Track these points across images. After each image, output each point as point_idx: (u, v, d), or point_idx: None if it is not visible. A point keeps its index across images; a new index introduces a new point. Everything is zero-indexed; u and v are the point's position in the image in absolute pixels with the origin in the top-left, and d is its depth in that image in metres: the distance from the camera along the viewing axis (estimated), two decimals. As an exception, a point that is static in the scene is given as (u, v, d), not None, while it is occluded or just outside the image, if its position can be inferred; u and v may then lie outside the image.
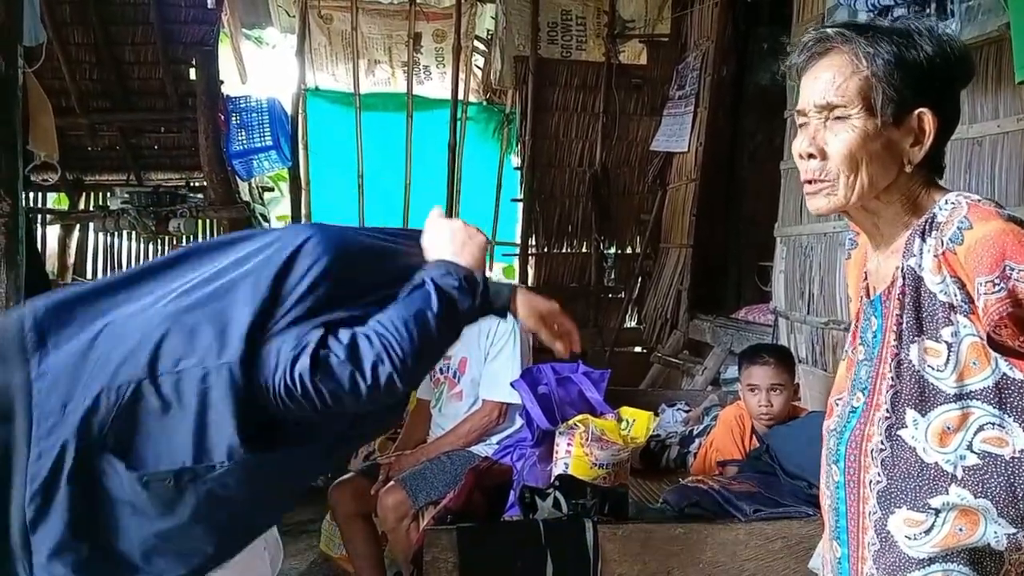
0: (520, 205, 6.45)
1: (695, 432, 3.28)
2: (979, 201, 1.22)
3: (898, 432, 1.25)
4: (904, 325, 1.25)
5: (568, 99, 6.25)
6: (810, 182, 1.28)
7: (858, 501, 1.30)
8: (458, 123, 6.58)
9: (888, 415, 1.26)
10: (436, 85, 6.77)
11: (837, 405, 1.39)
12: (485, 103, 7.02)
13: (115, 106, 5.73)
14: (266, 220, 6.36)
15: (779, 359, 2.90)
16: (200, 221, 5.88)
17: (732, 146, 5.80)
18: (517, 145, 6.58)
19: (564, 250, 6.47)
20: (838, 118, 1.25)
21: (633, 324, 6.48)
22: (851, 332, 1.40)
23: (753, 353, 2.99)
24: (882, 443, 1.26)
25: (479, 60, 6.89)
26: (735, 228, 5.84)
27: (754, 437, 2.91)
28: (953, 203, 1.22)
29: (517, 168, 6.58)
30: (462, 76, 6.60)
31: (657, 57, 6.28)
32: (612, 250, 6.51)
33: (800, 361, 3.68)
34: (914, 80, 1.23)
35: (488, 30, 6.73)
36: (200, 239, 6.09)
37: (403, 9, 6.53)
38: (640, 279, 6.37)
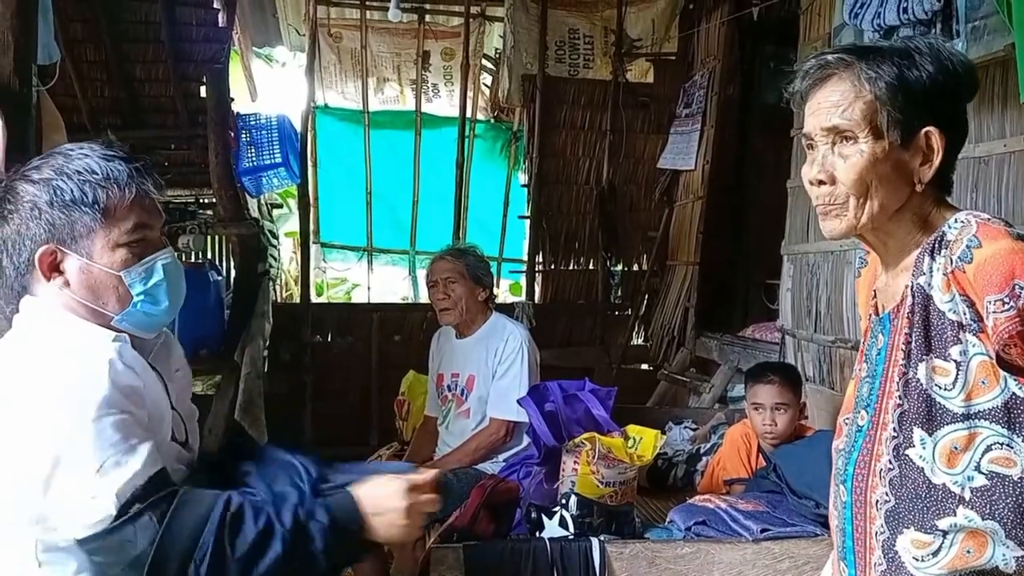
0: (527, 222, 6.46)
1: (702, 450, 3.28)
2: (988, 220, 1.23)
3: (906, 452, 1.24)
4: (912, 343, 1.25)
5: (575, 117, 6.27)
6: (822, 206, 1.30)
7: (865, 521, 1.29)
8: (466, 140, 6.60)
9: (895, 434, 1.25)
10: (444, 103, 6.81)
11: (845, 425, 1.39)
12: (493, 121, 7.05)
13: (126, 123, 5.77)
14: (275, 236, 6.39)
15: (784, 378, 2.90)
16: (209, 237, 5.91)
17: (739, 164, 5.81)
18: (524, 162, 6.60)
19: (571, 267, 6.47)
20: (846, 141, 1.26)
21: (640, 341, 6.47)
22: (860, 350, 1.40)
23: (758, 372, 2.99)
24: (890, 463, 1.26)
25: (487, 78, 6.93)
26: (742, 246, 5.84)
27: (761, 456, 2.90)
28: (963, 222, 1.23)
29: (524, 185, 6.59)
30: (470, 94, 6.63)
31: (664, 75, 6.30)
32: (619, 267, 6.51)
33: (807, 379, 3.67)
34: (918, 100, 1.24)
35: (496, 49, 6.77)
36: (209, 255, 6.12)
37: (412, 28, 6.58)
38: (647, 296, 6.36)
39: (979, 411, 1.20)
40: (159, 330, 1.56)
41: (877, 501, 1.27)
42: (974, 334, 1.20)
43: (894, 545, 1.25)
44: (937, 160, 1.25)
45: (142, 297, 1.48)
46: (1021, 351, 1.20)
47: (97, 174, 1.44)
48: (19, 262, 1.45)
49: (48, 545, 1.36)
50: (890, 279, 1.34)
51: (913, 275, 1.26)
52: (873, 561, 1.28)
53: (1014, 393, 1.20)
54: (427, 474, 1.57)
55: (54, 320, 1.45)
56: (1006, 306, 1.16)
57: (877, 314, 1.36)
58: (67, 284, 1.45)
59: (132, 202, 1.46)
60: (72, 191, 1.42)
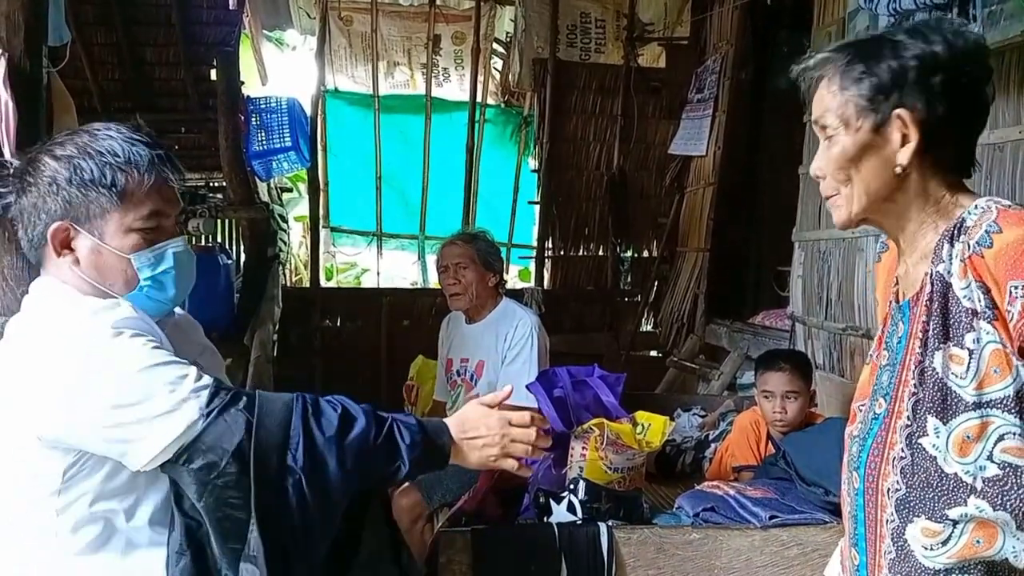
0: (537, 208, 6.45)
1: (711, 437, 3.27)
2: (1009, 207, 1.22)
3: (919, 440, 1.23)
4: (930, 332, 1.24)
5: (586, 102, 6.25)
6: (826, 199, 1.36)
7: (876, 508, 1.29)
8: (476, 125, 6.59)
9: (909, 423, 1.25)
10: (454, 87, 6.79)
11: (860, 411, 1.38)
12: (503, 105, 7.03)
13: (136, 106, 5.78)
14: (285, 220, 6.40)
15: (794, 366, 2.89)
16: (219, 221, 5.93)
17: (750, 150, 5.78)
18: (535, 147, 6.59)
19: (581, 253, 6.47)
20: (828, 137, 1.31)
21: (649, 328, 6.47)
22: (877, 336, 1.39)
23: (769, 359, 2.97)
24: (903, 451, 1.25)
25: (498, 62, 6.91)
26: (753, 233, 5.81)
27: (770, 443, 2.90)
28: (983, 208, 1.22)
29: (534, 171, 6.58)
30: (480, 78, 6.61)
31: (676, 60, 6.26)
32: (629, 253, 6.51)
33: (817, 367, 3.66)
34: (884, 86, 1.25)
35: (507, 32, 6.75)
36: (219, 239, 6.13)
37: (423, 11, 6.56)
38: (656, 283, 6.36)
39: (991, 400, 1.19)
40: (160, 316, 1.55)
41: (888, 489, 1.26)
42: (988, 321, 1.19)
43: (903, 533, 1.25)
44: (913, 141, 1.25)
45: (149, 283, 1.49)
46: None
47: (119, 156, 1.44)
48: (33, 235, 1.47)
49: (71, 506, 1.37)
50: (910, 266, 1.33)
51: (933, 263, 1.26)
52: (883, 548, 1.28)
53: None
54: (527, 415, 1.59)
55: (61, 295, 1.46)
56: None
57: (897, 301, 1.35)
58: (76, 262, 1.46)
59: (151, 188, 1.47)
60: (92, 171, 1.43)
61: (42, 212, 1.45)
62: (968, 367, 1.20)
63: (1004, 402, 1.19)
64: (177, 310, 1.66)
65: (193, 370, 1.39)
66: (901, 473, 1.25)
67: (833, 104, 1.29)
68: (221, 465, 1.33)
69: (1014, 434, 1.18)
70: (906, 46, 1.25)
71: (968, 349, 1.20)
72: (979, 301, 1.19)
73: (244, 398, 1.39)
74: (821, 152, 1.33)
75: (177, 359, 1.40)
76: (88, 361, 1.34)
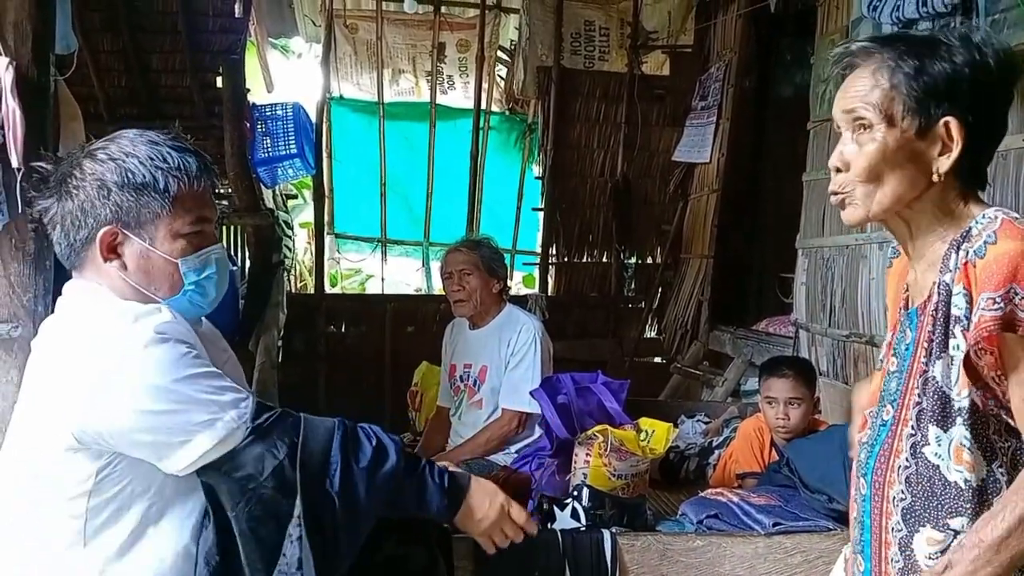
0: (541, 214, 6.46)
1: (714, 444, 3.27)
2: (1016, 219, 1.20)
3: (922, 449, 1.24)
4: (933, 340, 1.23)
5: (590, 109, 6.26)
6: (836, 194, 1.30)
7: (882, 516, 1.29)
8: (480, 132, 6.61)
9: (913, 432, 1.25)
10: (459, 95, 6.81)
11: (870, 418, 1.37)
12: (507, 113, 7.05)
13: (142, 113, 5.80)
14: (290, 227, 6.42)
15: (798, 372, 2.89)
16: (225, 227, 5.94)
17: (754, 157, 5.78)
18: (539, 155, 6.60)
19: (584, 260, 6.47)
20: (863, 128, 1.25)
21: (653, 335, 6.47)
22: (887, 342, 1.39)
23: (772, 366, 2.98)
24: (908, 460, 1.25)
25: (502, 70, 6.93)
26: (757, 239, 5.81)
27: (774, 450, 2.90)
28: (990, 218, 1.20)
29: (538, 178, 6.59)
30: (485, 86, 6.63)
31: (680, 68, 6.27)
32: (632, 260, 6.51)
33: (821, 374, 3.66)
34: (938, 90, 1.22)
35: (511, 40, 6.77)
36: (224, 245, 6.14)
37: (427, 19, 6.58)
38: (660, 289, 6.36)
39: (961, 407, 1.20)
40: (195, 321, 1.57)
41: (894, 497, 1.26)
42: (964, 330, 1.18)
43: (911, 543, 1.24)
44: (956, 151, 1.22)
45: (193, 287, 1.51)
46: (993, 362, 1.18)
47: (169, 163, 1.46)
48: (76, 239, 1.47)
49: (98, 516, 1.39)
50: (919, 273, 1.32)
51: (940, 271, 1.24)
52: (889, 556, 1.28)
53: (973, 400, 1.20)
54: (524, 515, 1.69)
55: (100, 298, 1.47)
56: (995, 305, 1.14)
57: (907, 308, 1.34)
58: (124, 267, 1.47)
59: (199, 195, 1.50)
60: (144, 175, 1.44)
61: (89, 216, 1.45)
62: (951, 375, 1.21)
63: (961, 412, 1.20)
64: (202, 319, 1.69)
65: (230, 381, 1.43)
66: (906, 482, 1.25)
67: (876, 97, 1.24)
68: (261, 479, 1.38)
69: (963, 445, 1.19)
70: (958, 52, 1.22)
71: (951, 356, 1.21)
72: (962, 309, 1.19)
73: (291, 418, 1.45)
74: (848, 145, 1.27)
75: (217, 370, 1.43)
76: (127, 363, 1.35)
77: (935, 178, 1.24)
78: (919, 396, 1.25)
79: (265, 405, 1.44)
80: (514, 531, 1.66)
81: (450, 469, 1.63)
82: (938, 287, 1.24)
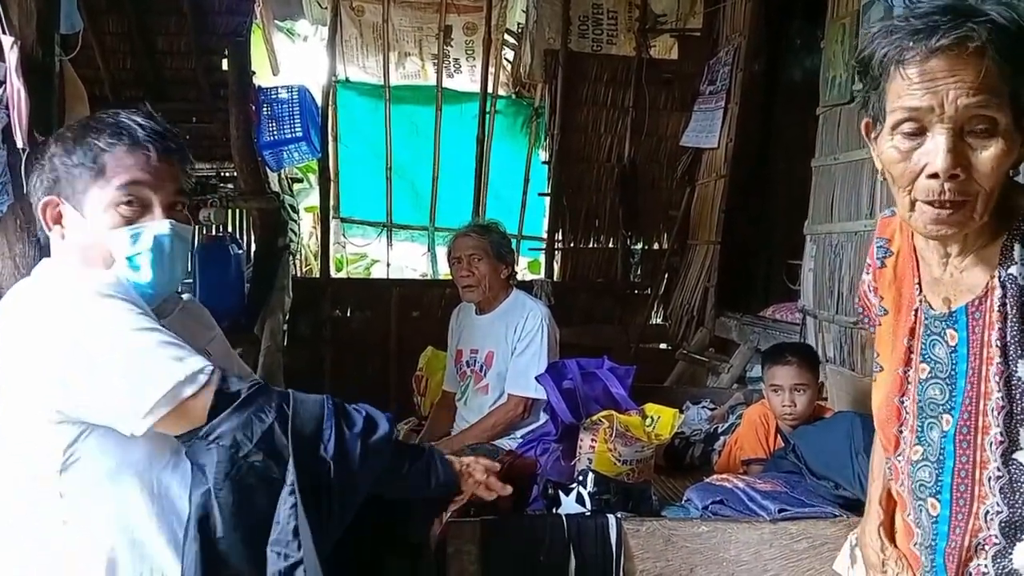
0: (547, 199, 6.44)
1: (720, 430, 3.27)
2: None
3: (1014, 456, 1.17)
4: (1009, 338, 1.16)
5: (598, 93, 6.21)
6: (943, 204, 1.12)
7: (964, 535, 1.22)
8: (487, 116, 6.58)
9: (1002, 438, 1.17)
10: (465, 78, 6.78)
11: (901, 433, 1.29)
12: (514, 96, 7.02)
13: (148, 95, 5.77)
14: (295, 211, 6.41)
15: (802, 359, 2.88)
16: (230, 211, 5.94)
17: (763, 143, 5.75)
18: (545, 139, 6.57)
19: (591, 245, 6.45)
20: (984, 131, 1.10)
21: (659, 321, 6.45)
22: (896, 348, 1.31)
23: (776, 353, 2.97)
24: (999, 470, 1.18)
25: (509, 53, 6.89)
26: (764, 225, 5.78)
27: (779, 436, 2.89)
28: None
29: (545, 162, 6.56)
30: (492, 69, 6.60)
31: (688, 52, 6.23)
32: (639, 246, 6.48)
33: (828, 361, 3.64)
34: None
35: (519, 23, 6.72)
36: (230, 229, 6.15)
37: (434, 2, 6.55)
38: (667, 275, 6.34)
39: None
40: (153, 303, 1.49)
41: (987, 512, 1.20)
42: None
43: (1010, 553, 1.19)
44: None
45: (127, 262, 1.45)
46: None
47: (104, 132, 1.44)
48: (36, 214, 1.50)
49: (76, 494, 1.36)
50: (957, 270, 1.23)
51: (1001, 265, 1.17)
52: (980, 572, 1.23)
53: None
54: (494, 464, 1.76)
55: (56, 270, 1.47)
56: None
57: (948, 308, 1.25)
58: (63, 237, 1.48)
59: (132, 162, 1.43)
60: (76, 146, 1.44)
61: (38, 190, 1.48)
62: None
63: None
64: (185, 295, 1.66)
65: (179, 341, 1.38)
66: (1001, 493, 1.18)
67: (1006, 92, 1.09)
68: (251, 445, 1.33)
69: None
70: None
71: None
72: None
73: (276, 391, 1.42)
74: (958, 144, 1.10)
75: (173, 335, 1.38)
76: (74, 320, 1.33)
77: (1011, 172, 1.16)
78: (1002, 399, 1.17)
79: (231, 374, 1.40)
80: (481, 483, 1.71)
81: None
82: (1001, 281, 1.17)
